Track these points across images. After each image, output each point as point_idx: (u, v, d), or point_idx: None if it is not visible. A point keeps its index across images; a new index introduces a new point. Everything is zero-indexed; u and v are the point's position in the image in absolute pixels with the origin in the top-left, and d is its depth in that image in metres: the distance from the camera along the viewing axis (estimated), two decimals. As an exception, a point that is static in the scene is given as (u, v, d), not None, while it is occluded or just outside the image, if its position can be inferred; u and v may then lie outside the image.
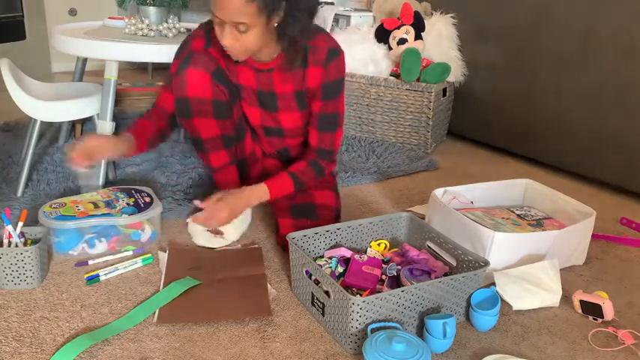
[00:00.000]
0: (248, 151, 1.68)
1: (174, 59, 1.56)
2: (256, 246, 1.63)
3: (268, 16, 1.31)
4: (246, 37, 1.33)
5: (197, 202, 1.45)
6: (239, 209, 1.47)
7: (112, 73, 1.90)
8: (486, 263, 1.32)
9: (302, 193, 1.63)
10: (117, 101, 2.36)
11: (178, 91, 1.46)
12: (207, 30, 1.52)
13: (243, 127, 1.63)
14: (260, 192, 1.49)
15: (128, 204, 1.61)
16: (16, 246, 1.40)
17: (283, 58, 1.47)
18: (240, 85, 1.56)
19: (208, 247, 1.61)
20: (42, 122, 1.89)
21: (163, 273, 1.46)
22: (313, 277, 1.31)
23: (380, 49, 2.67)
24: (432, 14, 2.73)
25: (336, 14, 3.24)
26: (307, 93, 1.53)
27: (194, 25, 2.50)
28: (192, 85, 1.45)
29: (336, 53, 1.48)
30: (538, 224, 1.67)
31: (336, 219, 1.67)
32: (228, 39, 1.34)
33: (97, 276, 1.44)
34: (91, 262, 1.51)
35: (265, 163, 1.75)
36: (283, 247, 1.63)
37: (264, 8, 1.28)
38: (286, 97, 1.54)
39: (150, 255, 1.54)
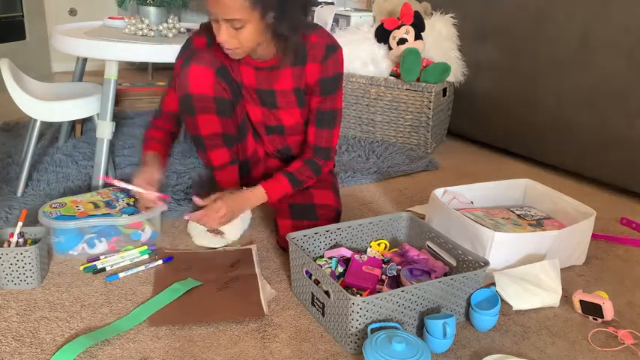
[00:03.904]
0: (250, 151, 1.68)
1: (177, 59, 1.55)
2: (247, 247, 1.62)
3: (262, 12, 1.32)
4: (241, 34, 1.35)
5: (196, 199, 1.47)
6: (237, 211, 1.49)
7: (112, 73, 1.90)
8: (486, 263, 1.32)
9: (301, 193, 1.63)
10: (117, 101, 2.35)
11: (181, 88, 1.46)
12: (207, 28, 1.52)
13: (246, 126, 1.63)
14: (258, 194, 1.51)
15: (128, 204, 1.61)
16: (16, 246, 1.40)
17: (281, 56, 1.47)
18: (242, 83, 1.56)
19: (208, 247, 1.61)
20: (42, 122, 1.89)
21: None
22: (313, 277, 1.31)
23: (380, 49, 2.67)
24: (432, 14, 2.73)
25: (336, 14, 3.23)
26: (306, 90, 1.54)
27: (194, 25, 2.50)
28: (194, 81, 1.44)
29: (333, 49, 1.49)
30: (538, 224, 1.67)
31: (337, 218, 1.67)
32: (224, 35, 1.36)
33: (94, 266, 1.47)
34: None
35: (268, 163, 1.75)
36: (283, 248, 1.63)
37: (257, 2, 1.29)
38: (286, 94, 1.54)
39: (146, 247, 1.56)
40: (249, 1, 1.29)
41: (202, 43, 1.53)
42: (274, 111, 1.58)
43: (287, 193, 1.55)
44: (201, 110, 1.48)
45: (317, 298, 1.29)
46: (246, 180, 1.77)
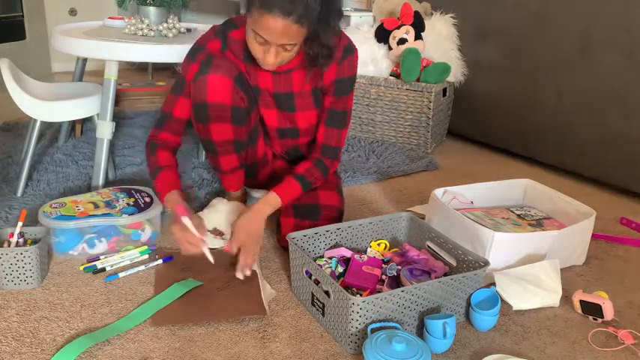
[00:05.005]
0: (260, 154, 1.68)
1: (187, 63, 1.50)
2: None
3: (310, 30, 1.32)
4: (288, 52, 1.35)
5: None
6: (260, 228, 1.46)
7: (112, 73, 1.90)
8: (486, 263, 1.32)
9: (307, 194, 1.63)
10: (117, 101, 2.35)
11: (197, 95, 1.44)
12: (221, 32, 1.50)
13: (258, 130, 1.63)
14: (271, 200, 1.50)
15: (128, 204, 1.61)
16: (16, 246, 1.40)
17: (302, 58, 1.47)
18: (258, 87, 1.55)
19: (209, 248, 1.61)
20: (42, 122, 1.89)
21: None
22: (313, 277, 1.31)
23: (380, 49, 2.67)
24: (432, 14, 2.73)
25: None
26: (322, 90, 1.54)
27: (194, 25, 2.50)
28: (212, 90, 1.42)
29: (350, 50, 1.50)
30: (538, 224, 1.67)
31: (339, 218, 1.67)
32: (273, 58, 1.35)
33: (94, 266, 1.47)
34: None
35: (274, 164, 1.75)
36: (284, 247, 1.63)
37: (310, 25, 1.29)
38: (304, 96, 1.54)
39: (146, 247, 1.56)
40: (306, 27, 1.29)
41: (217, 48, 1.51)
42: (291, 114, 1.58)
43: (298, 195, 1.55)
44: (216, 119, 1.47)
45: (317, 298, 1.29)
46: (253, 181, 1.77)
